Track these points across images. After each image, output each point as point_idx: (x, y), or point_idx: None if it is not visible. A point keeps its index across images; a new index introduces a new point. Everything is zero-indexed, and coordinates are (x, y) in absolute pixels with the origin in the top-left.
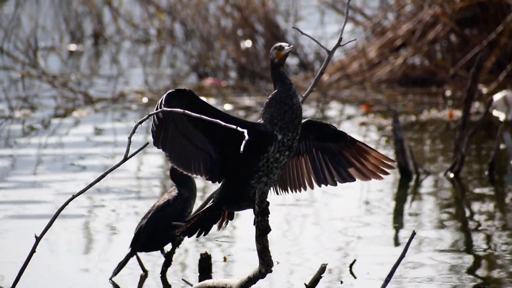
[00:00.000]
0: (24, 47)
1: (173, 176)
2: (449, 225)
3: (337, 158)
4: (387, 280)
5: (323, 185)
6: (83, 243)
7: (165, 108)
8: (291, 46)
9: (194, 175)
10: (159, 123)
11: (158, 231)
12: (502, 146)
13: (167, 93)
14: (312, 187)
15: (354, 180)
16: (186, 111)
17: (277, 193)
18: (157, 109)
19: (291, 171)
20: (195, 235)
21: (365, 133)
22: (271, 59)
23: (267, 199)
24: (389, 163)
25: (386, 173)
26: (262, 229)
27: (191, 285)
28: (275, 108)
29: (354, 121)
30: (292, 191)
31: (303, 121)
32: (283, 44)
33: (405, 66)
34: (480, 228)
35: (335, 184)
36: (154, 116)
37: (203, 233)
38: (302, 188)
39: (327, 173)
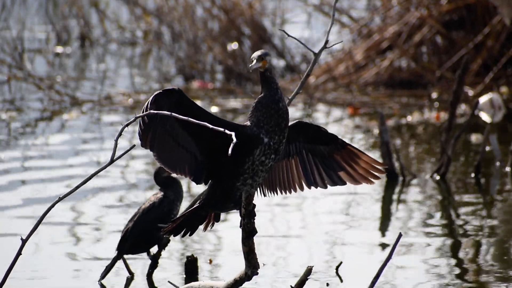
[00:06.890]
0: (11, 49)
1: (158, 179)
2: (435, 227)
3: (327, 161)
4: (373, 282)
5: (313, 187)
6: (70, 246)
7: (152, 111)
8: (258, 55)
9: (179, 176)
10: (145, 126)
11: (144, 233)
12: (488, 148)
13: (154, 94)
14: (302, 189)
15: (344, 183)
16: (173, 114)
17: (265, 195)
18: (144, 110)
19: (281, 172)
20: (180, 235)
21: (352, 135)
22: (257, 68)
23: (254, 202)
24: (380, 167)
25: (377, 178)
26: (249, 231)
27: (177, 287)
28: (261, 112)
29: (340, 123)
30: (281, 193)
31: (294, 122)
32: (254, 54)
33: (392, 69)
34: (466, 230)
35: (325, 187)
36: (140, 119)
37: (188, 233)
38: (292, 190)
39: (317, 175)
